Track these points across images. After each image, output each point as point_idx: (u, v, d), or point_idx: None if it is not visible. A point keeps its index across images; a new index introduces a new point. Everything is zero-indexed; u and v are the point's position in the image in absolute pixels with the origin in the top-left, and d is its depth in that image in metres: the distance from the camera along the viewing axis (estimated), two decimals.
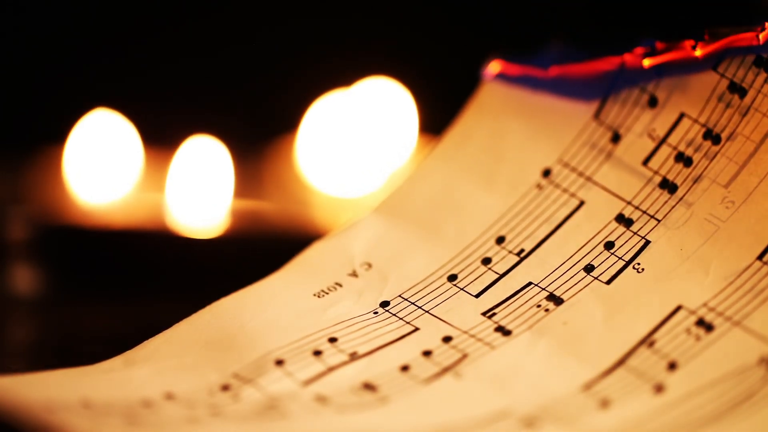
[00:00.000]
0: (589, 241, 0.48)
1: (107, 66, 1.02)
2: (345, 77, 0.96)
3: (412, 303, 0.47)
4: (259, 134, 0.98)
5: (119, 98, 0.93)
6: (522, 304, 0.47)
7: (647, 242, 0.47)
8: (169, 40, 1.03)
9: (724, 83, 0.48)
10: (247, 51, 1.03)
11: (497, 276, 0.48)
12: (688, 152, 0.49)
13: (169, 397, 0.43)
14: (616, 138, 0.50)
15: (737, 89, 0.48)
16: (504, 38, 0.95)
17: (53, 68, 1.03)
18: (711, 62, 0.48)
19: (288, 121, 0.96)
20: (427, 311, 0.47)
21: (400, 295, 0.48)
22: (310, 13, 1.04)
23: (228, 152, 0.86)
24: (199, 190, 0.83)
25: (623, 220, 0.48)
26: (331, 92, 0.96)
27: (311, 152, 0.94)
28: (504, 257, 0.48)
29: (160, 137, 0.90)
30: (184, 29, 1.04)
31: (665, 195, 0.48)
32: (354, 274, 0.49)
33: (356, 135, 0.94)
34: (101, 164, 0.88)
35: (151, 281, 0.69)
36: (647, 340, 0.44)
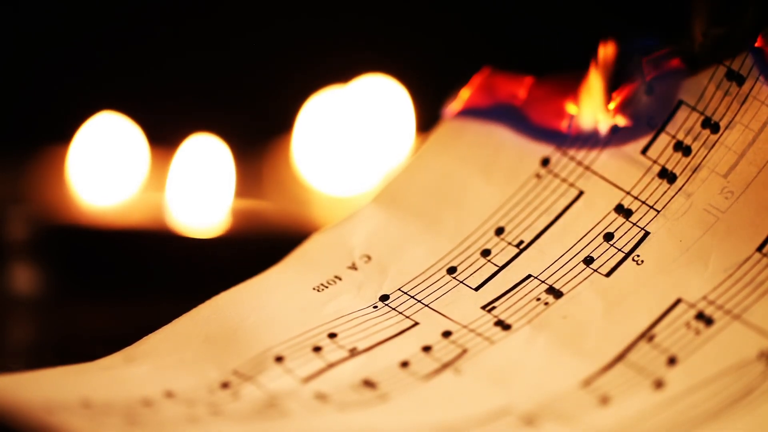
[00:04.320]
0: (589, 232, 0.48)
1: (111, 67, 1.03)
2: (342, 75, 0.96)
3: (412, 297, 0.47)
4: (258, 134, 0.98)
5: (123, 100, 0.93)
6: (521, 298, 0.46)
7: (647, 233, 0.47)
8: (169, 41, 1.03)
9: (722, 70, 0.48)
10: (246, 52, 1.03)
11: (497, 268, 0.48)
12: (687, 141, 0.48)
13: (169, 395, 0.42)
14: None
15: (735, 76, 0.48)
16: (500, 35, 0.95)
17: (55, 69, 1.03)
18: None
19: (287, 121, 0.96)
20: (426, 305, 0.47)
21: (399, 289, 0.47)
22: (307, 11, 1.04)
23: (229, 151, 0.86)
24: (199, 189, 0.83)
25: (622, 211, 0.48)
26: (325, 89, 0.95)
27: (309, 151, 0.94)
28: (503, 249, 0.48)
29: (164, 138, 0.90)
30: (187, 32, 1.04)
31: (664, 185, 0.48)
32: (353, 267, 0.48)
33: (354, 133, 0.94)
34: (104, 165, 0.88)
35: (150, 281, 0.69)
36: (647, 335, 0.44)
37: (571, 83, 0.49)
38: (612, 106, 0.49)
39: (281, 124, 0.97)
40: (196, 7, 1.05)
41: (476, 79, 0.51)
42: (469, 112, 0.51)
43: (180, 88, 1.03)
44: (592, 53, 0.49)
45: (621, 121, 0.49)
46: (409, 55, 0.99)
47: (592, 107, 0.49)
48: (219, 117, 0.95)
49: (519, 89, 0.50)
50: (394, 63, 0.97)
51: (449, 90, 0.52)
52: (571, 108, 0.49)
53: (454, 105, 0.51)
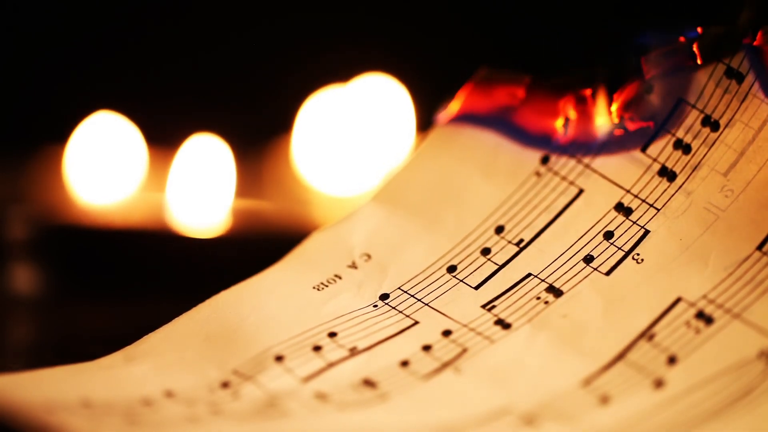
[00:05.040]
0: (589, 230, 0.48)
1: (109, 67, 1.02)
2: (342, 74, 0.96)
3: (412, 296, 0.47)
4: (258, 133, 0.98)
5: (121, 99, 0.93)
6: (521, 296, 0.46)
7: (647, 232, 0.47)
8: (171, 41, 1.03)
9: (722, 68, 0.48)
10: (246, 51, 1.03)
11: (497, 267, 0.48)
12: (687, 139, 0.48)
13: (169, 394, 0.42)
14: None
15: (734, 74, 0.48)
16: (501, 35, 0.95)
17: (54, 68, 1.03)
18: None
19: (287, 121, 0.96)
20: (426, 304, 0.47)
21: (399, 288, 0.47)
22: (307, 10, 1.04)
23: (230, 151, 0.86)
24: (199, 189, 0.82)
25: (622, 209, 0.48)
26: (325, 89, 0.95)
27: (309, 151, 0.94)
28: (503, 247, 0.48)
29: (162, 138, 0.90)
30: (186, 30, 1.04)
31: (664, 183, 0.48)
32: (353, 266, 0.48)
33: (354, 132, 0.94)
34: (103, 165, 0.88)
35: (150, 281, 0.69)
36: (647, 334, 0.44)
37: (569, 85, 0.49)
38: (614, 108, 0.49)
39: (281, 123, 0.97)
40: (196, 7, 1.04)
41: (472, 82, 0.51)
42: (465, 118, 0.50)
43: (179, 88, 1.03)
44: (592, 53, 0.49)
45: (621, 125, 0.49)
46: (409, 54, 0.99)
47: (593, 111, 0.49)
48: (219, 117, 0.95)
49: (518, 90, 0.50)
50: (394, 62, 0.97)
51: (449, 90, 0.52)
52: (569, 112, 0.49)
53: (449, 110, 0.51)
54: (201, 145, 0.87)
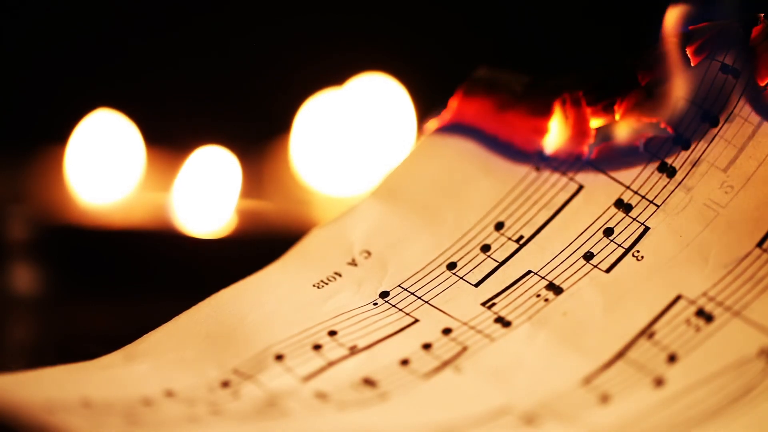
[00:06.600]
0: (589, 227, 0.48)
1: (108, 66, 1.03)
2: (341, 74, 0.96)
3: (412, 293, 0.47)
4: (258, 135, 0.98)
5: (121, 99, 0.93)
6: (521, 294, 0.46)
7: (647, 228, 0.47)
8: (168, 41, 1.03)
9: (716, 64, 0.48)
10: (244, 53, 1.03)
11: (497, 264, 0.47)
12: (686, 135, 0.48)
13: (169, 394, 0.42)
14: None
15: (729, 70, 0.48)
16: (501, 35, 0.95)
17: (54, 68, 1.03)
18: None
19: (286, 122, 0.96)
20: (426, 302, 0.47)
21: (399, 285, 0.47)
22: (307, 11, 1.04)
23: (232, 155, 0.86)
24: (202, 191, 0.82)
25: (622, 206, 0.48)
26: (325, 90, 0.95)
27: (309, 152, 0.94)
28: (503, 244, 0.48)
29: (161, 137, 0.90)
30: (184, 30, 1.04)
31: (664, 179, 0.48)
32: (353, 263, 0.48)
33: (353, 133, 0.94)
34: (103, 164, 0.88)
35: (150, 281, 0.69)
36: (647, 332, 0.44)
37: (567, 86, 0.49)
38: (613, 108, 0.49)
39: (281, 125, 0.97)
40: (195, 7, 1.05)
41: (468, 84, 0.50)
42: (457, 128, 0.50)
43: (179, 88, 1.03)
44: (591, 54, 0.49)
45: (621, 124, 0.49)
46: (408, 54, 0.99)
47: (589, 112, 0.49)
48: (218, 119, 0.95)
49: (515, 90, 0.50)
50: (393, 62, 0.97)
51: (449, 90, 0.52)
52: (565, 113, 0.49)
53: (442, 117, 0.51)
54: (201, 144, 0.87)
